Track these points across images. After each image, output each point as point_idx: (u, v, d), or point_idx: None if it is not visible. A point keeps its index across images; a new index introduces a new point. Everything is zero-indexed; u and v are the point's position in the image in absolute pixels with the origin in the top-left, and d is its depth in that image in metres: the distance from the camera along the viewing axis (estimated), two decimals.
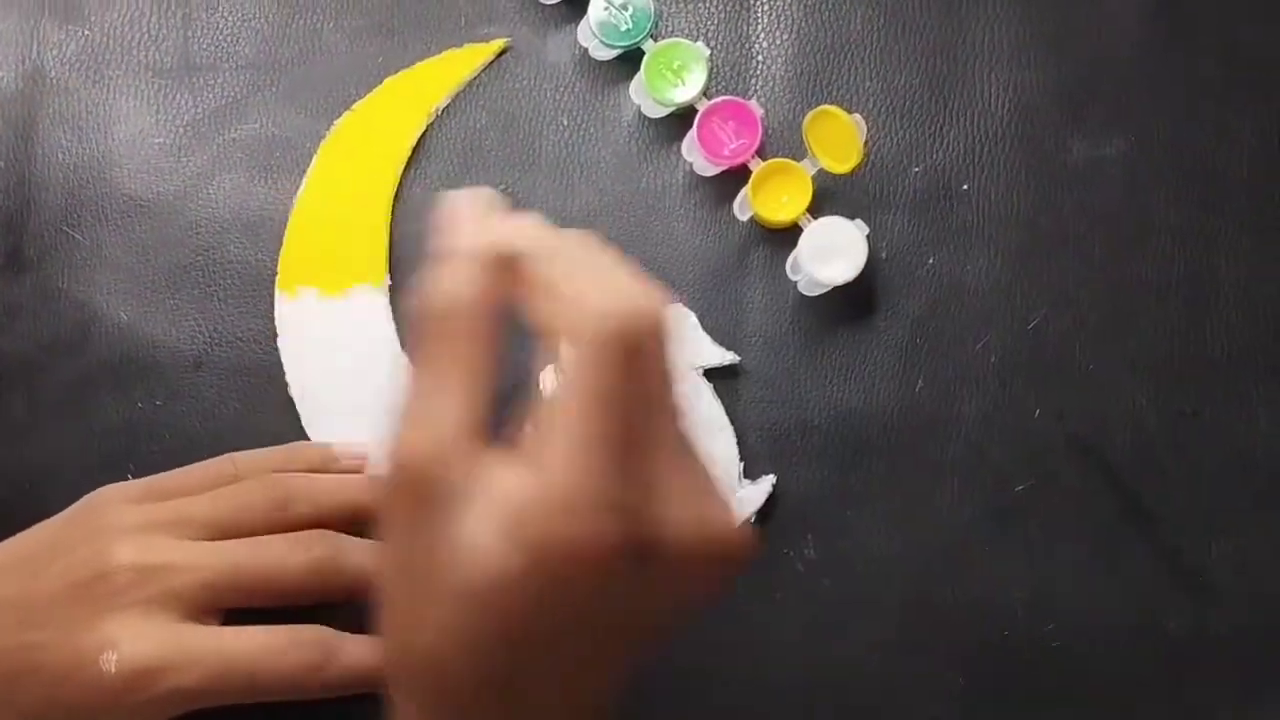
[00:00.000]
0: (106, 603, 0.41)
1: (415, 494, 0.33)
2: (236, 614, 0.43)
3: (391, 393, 0.34)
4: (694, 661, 0.48)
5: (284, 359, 0.49)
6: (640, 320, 0.33)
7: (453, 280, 0.34)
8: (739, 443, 0.48)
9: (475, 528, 0.32)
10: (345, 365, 0.49)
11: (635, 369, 0.33)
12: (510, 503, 0.32)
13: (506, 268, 0.34)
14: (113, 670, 0.40)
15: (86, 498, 0.44)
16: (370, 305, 0.49)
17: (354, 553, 0.44)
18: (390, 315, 0.49)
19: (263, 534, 0.43)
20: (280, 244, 0.50)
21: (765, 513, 0.48)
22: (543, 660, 0.34)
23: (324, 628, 0.43)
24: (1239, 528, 0.49)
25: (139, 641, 0.40)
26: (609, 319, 0.32)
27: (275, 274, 0.49)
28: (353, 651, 0.43)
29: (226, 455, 0.46)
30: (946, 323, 0.50)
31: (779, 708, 0.48)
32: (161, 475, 0.45)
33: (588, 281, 0.33)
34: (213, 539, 0.43)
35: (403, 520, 0.34)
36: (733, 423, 0.48)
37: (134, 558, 0.41)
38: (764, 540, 0.48)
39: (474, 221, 0.35)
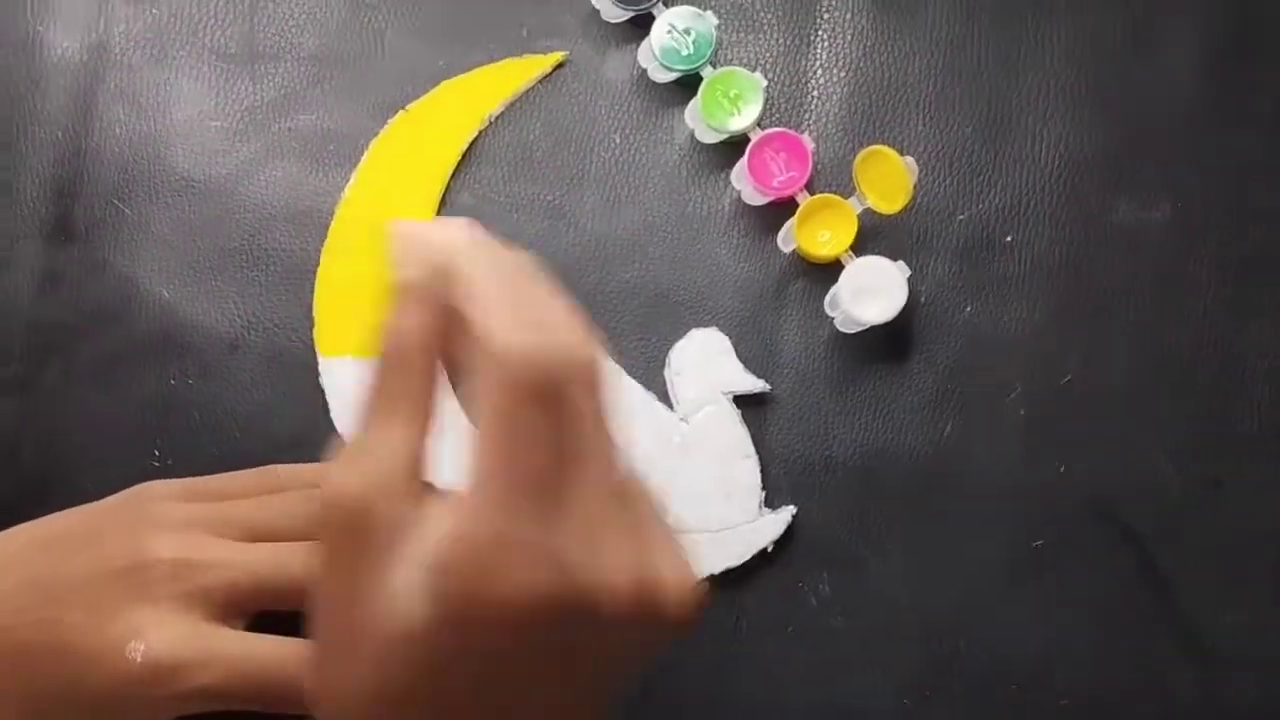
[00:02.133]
0: (139, 593, 0.41)
1: (350, 534, 0.33)
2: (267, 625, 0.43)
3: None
4: (699, 690, 0.48)
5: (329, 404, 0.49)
6: (557, 363, 0.31)
7: (401, 316, 0.33)
8: (762, 471, 0.49)
9: (401, 575, 0.32)
10: None
11: (550, 413, 0.31)
12: (432, 551, 0.31)
13: (446, 305, 0.33)
14: (138, 660, 0.40)
15: (131, 489, 0.44)
16: None
17: None
18: None
19: None
20: (325, 236, 0.50)
21: (783, 544, 0.48)
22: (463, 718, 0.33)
23: None
24: (1254, 600, 0.49)
25: (167, 635, 0.40)
26: (521, 359, 0.31)
27: (318, 264, 0.50)
28: None
29: (271, 466, 0.46)
30: (979, 372, 0.50)
31: None
32: (207, 478, 0.45)
33: (509, 316, 0.31)
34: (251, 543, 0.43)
35: (336, 560, 0.33)
36: (758, 451, 0.49)
37: (172, 552, 0.41)
38: (780, 572, 0.48)
39: (418, 249, 0.33)
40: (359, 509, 0.32)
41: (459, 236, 0.33)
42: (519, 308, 0.32)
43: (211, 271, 0.50)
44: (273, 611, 0.42)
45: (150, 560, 0.41)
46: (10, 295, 0.49)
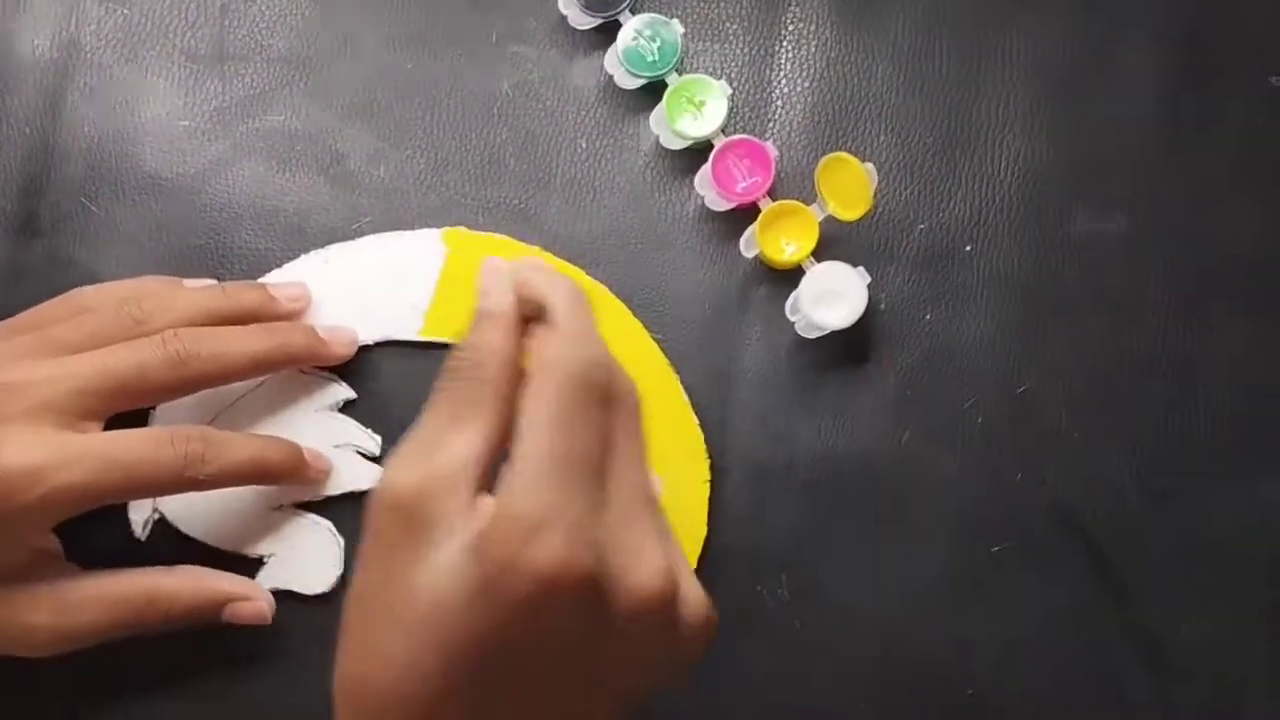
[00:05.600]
0: None
1: (403, 524, 0.34)
2: None
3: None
4: (646, 701, 0.47)
5: None
6: (615, 375, 0.36)
7: (486, 334, 0.36)
8: (723, 475, 0.49)
9: (444, 556, 0.33)
10: None
11: (603, 409, 0.35)
12: (476, 527, 0.33)
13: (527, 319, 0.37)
14: None
15: None
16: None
17: (209, 341, 0.45)
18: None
19: None
20: (292, 235, 0.50)
21: (742, 547, 0.49)
22: (492, 708, 0.34)
23: (206, 427, 0.46)
24: (1209, 610, 0.49)
25: (19, 446, 0.41)
26: (588, 358, 0.35)
27: (281, 264, 0.50)
28: (236, 444, 0.45)
29: (76, 289, 0.47)
30: (938, 379, 0.50)
31: None
32: (15, 316, 0.46)
33: (582, 330, 0.36)
34: None
35: (384, 547, 0.34)
36: (719, 456, 0.49)
37: (4, 378, 0.42)
38: (738, 575, 0.49)
39: (506, 281, 0.37)
40: (416, 502, 0.34)
41: (542, 265, 0.38)
42: (586, 325, 0.36)
43: (177, 269, 0.50)
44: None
45: None
46: None
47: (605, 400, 0.35)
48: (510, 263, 0.38)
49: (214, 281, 0.49)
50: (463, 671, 0.33)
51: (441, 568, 0.33)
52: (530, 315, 0.37)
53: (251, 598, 0.46)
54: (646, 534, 0.35)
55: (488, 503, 0.34)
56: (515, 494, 0.33)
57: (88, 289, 0.47)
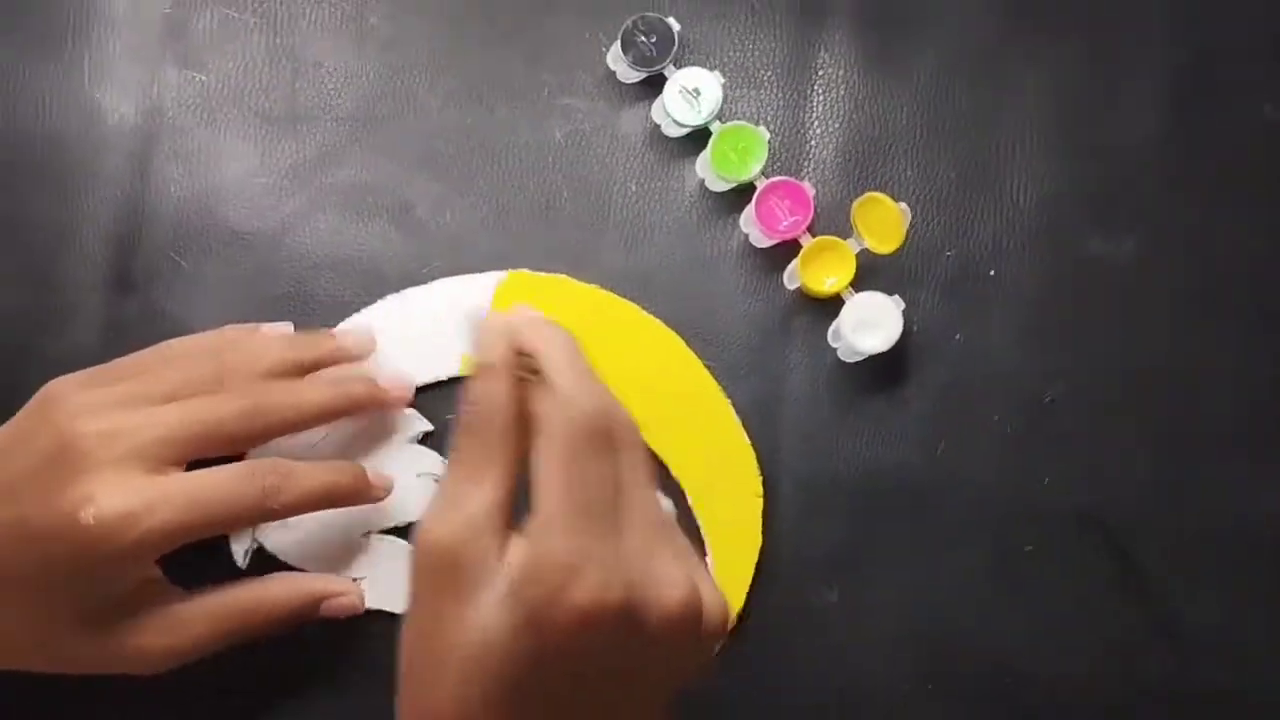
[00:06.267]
0: (76, 466, 0.44)
1: (444, 571, 0.38)
2: None
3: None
4: (713, 694, 0.51)
5: None
6: (612, 416, 0.39)
7: (486, 388, 0.40)
8: (774, 488, 0.53)
9: (486, 598, 0.37)
10: None
11: (607, 452, 0.38)
12: (512, 571, 0.37)
13: (528, 370, 0.40)
14: (92, 521, 0.43)
15: (38, 393, 0.47)
16: None
17: (280, 394, 0.49)
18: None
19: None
20: (368, 281, 0.54)
21: (791, 554, 0.53)
22: None
23: (279, 458, 0.48)
24: (1224, 589, 0.53)
25: (113, 492, 0.44)
26: (588, 408, 0.38)
27: (359, 309, 0.54)
28: (307, 473, 0.48)
29: (164, 342, 0.50)
30: (969, 393, 0.54)
31: None
32: (106, 364, 0.49)
33: (575, 379, 0.39)
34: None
35: (429, 595, 0.39)
36: (770, 471, 0.53)
37: (95, 426, 0.45)
38: (787, 580, 0.53)
39: (500, 334, 0.40)
40: (450, 554, 0.38)
41: (534, 318, 0.41)
42: (580, 375, 0.39)
43: (261, 318, 0.53)
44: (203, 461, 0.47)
45: (77, 436, 0.44)
46: (77, 345, 0.53)
47: (609, 443, 0.38)
48: (502, 317, 0.41)
49: (289, 325, 0.53)
50: (511, 701, 0.37)
51: (485, 608, 0.37)
52: (527, 367, 0.39)
53: (344, 592, 0.50)
54: (666, 557, 0.38)
55: (518, 544, 0.38)
56: (545, 541, 0.37)
57: (175, 341, 0.50)
